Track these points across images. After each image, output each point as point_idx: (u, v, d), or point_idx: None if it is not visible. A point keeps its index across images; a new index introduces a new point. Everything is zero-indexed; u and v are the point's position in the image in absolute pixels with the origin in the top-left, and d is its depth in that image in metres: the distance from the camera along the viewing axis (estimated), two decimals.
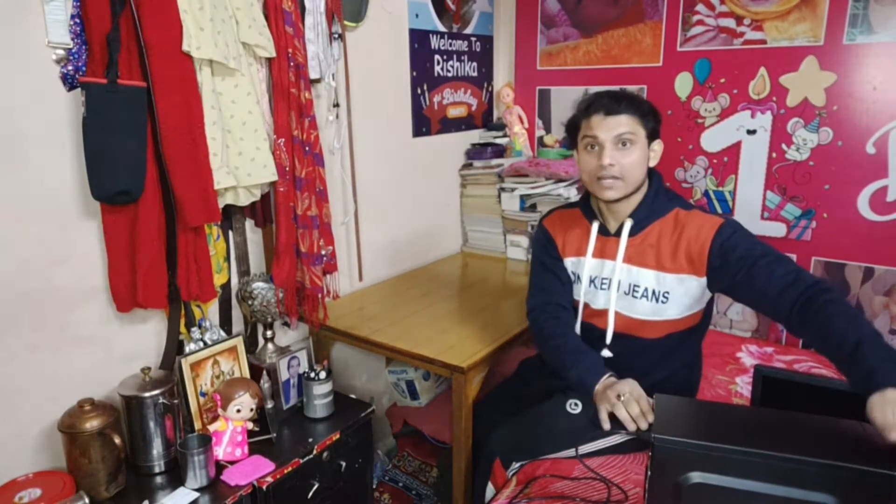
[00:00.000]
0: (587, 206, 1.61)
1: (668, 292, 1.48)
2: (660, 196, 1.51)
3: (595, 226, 1.57)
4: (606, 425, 1.35)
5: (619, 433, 1.41)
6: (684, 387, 1.62)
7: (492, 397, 1.83)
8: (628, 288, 1.52)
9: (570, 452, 1.52)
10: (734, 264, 1.37)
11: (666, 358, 1.55)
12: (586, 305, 1.60)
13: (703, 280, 1.45)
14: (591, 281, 1.58)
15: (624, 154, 1.42)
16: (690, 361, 1.63)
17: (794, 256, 2.23)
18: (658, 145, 1.50)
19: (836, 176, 2.11)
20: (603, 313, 1.56)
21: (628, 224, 1.50)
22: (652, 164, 1.50)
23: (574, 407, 1.57)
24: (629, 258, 1.51)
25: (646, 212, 1.50)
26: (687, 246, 1.44)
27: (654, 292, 1.49)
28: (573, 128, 1.53)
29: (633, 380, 1.39)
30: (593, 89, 2.55)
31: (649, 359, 1.54)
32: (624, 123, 1.42)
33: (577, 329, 1.62)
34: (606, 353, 1.57)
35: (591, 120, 1.45)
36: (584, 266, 1.58)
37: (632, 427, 1.28)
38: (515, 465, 1.57)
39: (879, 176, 2.04)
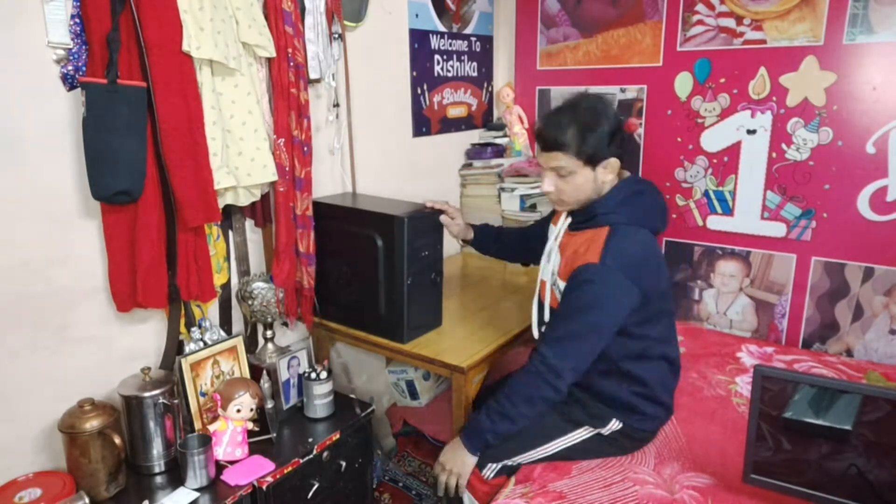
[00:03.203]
0: None
1: (560, 289, 1.57)
2: (608, 208, 1.53)
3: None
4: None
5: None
6: (615, 386, 1.60)
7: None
8: (552, 279, 1.61)
9: (542, 454, 1.60)
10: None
11: None
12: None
13: None
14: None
15: (564, 182, 1.53)
16: (611, 365, 1.58)
17: (794, 256, 2.24)
18: (606, 166, 1.51)
19: (836, 176, 2.11)
20: (542, 284, 1.68)
21: (567, 220, 1.62)
22: (603, 185, 1.53)
23: None
24: (562, 246, 1.60)
25: (582, 217, 1.57)
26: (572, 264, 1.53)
27: (555, 283, 1.60)
28: None
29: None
30: (593, 89, 2.58)
31: None
32: (557, 159, 1.50)
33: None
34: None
35: (539, 150, 1.56)
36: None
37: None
38: (493, 467, 1.58)
39: (879, 176, 2.04)
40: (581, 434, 1.60)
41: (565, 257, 1.57)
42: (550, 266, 1.62)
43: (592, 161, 1.50)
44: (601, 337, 1.48)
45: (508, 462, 1.59)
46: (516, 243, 1.97)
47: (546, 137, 1.51)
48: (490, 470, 1.59)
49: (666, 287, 1.60)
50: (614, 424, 1.59)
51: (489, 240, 1.99)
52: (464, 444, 1.57)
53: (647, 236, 1.53)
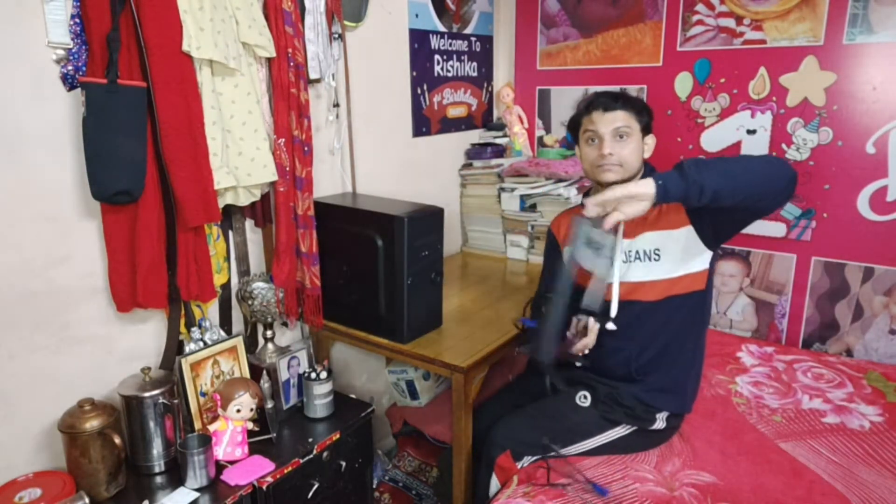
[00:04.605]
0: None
1: (658, 249, 1.59)
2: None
3: None
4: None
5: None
6: (686, 361, 1.65)
7: (502, 394, 1.89)
8: (625, 256, 1.62)
9: (579, 449, 1.59)
10: None
11: (666, 322, 1.61)
12: None
13: (691, 228, 1.56)
14: None
15: (621, 145, 1.57)
16: (691, 333, 1.65)
17: (794, 256, 2.24)
18: (651, 139, 1.64)
19: (836, 176, 2.11)
20: (607, 287, 1.63)
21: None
22: (646, 156, 1.63)
23: (584, 399, 1.64)
24: (625, 234, 1.62)
25: None
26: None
27: (644, 252, 1.60)
28: (575, 125, 1.67)
29: None
30: (593, 89, 2.58)
31: (650, 323, 1.60)
32: (620, 118, 1.57)
33: None
34: (611, 325, 1.61)
35: (591, 116, 1.60)
36: None
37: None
38: (529, 459, 1.59)
39: (879, 176, 2.04)
40: (621, 431, 1.61)
41: (640, 228, 1.59)
42: (617, 259, 1.57)
43: (645, 128, 1.60)
44: None
45: (545, 455, 1.60)
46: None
47: (607, 98, 1.59)
48: (526, 461, 1.60)
49: None
50: (659, 423, 1.61)
51: None
52: (655, 178, 1.28)
53: None
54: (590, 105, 1.61)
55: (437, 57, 2.46)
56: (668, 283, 1.59)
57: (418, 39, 2.36)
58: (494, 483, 1.62)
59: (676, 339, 1.62)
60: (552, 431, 1.60)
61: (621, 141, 1.57)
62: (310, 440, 1.61)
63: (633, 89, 2.46)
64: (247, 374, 1.71)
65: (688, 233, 1.55)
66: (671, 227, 1.57)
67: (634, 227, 1.60)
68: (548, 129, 2.77)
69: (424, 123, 2.46)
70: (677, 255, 1.58)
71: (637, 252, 1.60)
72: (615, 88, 1.70)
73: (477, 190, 2.65)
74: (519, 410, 1.69)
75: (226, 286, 1.77)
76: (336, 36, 1.91)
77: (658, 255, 1.58)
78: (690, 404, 1.69)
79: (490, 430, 1.66)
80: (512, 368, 2.09)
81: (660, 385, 1.61)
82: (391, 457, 2.30)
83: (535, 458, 1.60)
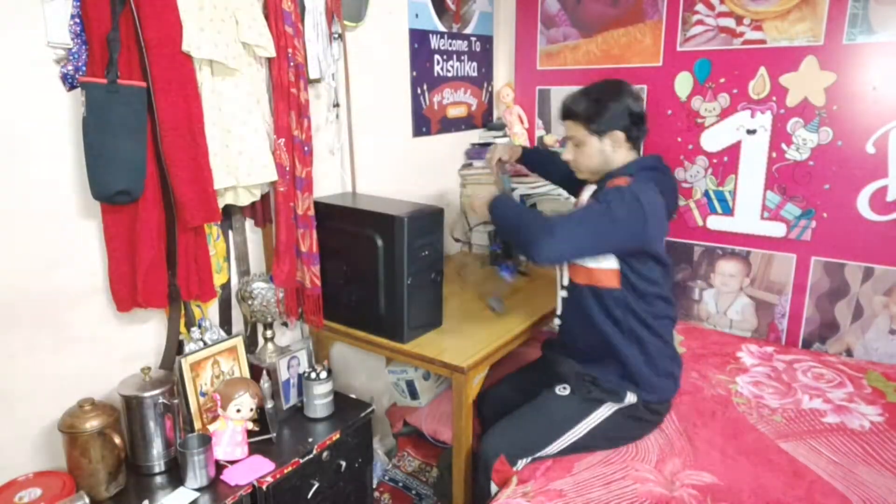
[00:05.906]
0: None
1: None
2: (625, 171, 1.65)
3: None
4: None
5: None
6: (631, 355, 1.64)
7: (506, 381, 1.96)
8: None
9: (569, 440, 1.62)
10: None
11: (598, 308, 1.65)
12: None
13: None
14: None
15: (577, 152, 1.72)
16: (628, 330, 1.64)
17: (794, 256, 2.24)
18: (612, 137, 1.65)
19: (836, 176, 2.11)
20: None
21: (590, 188, 1.76)
22: (612, 151, 1.67)
23: (563, 390, 1.71)
24: None
25: (603, 183, 1.70)
26: None
27: None
28: None
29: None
30: None
31: (585, 305, 1.67)
32: (569, 128, 1.72)
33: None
34: (564, 293, 1.76)
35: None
36: None
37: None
38: (524, 461, 1.60)
39: (879, 176, 2.04)
40: (602, 413, 1.63)
41: None
42: None
43: (598, 132, 1.65)
44: (601, 238, 1.56)
45: (539, 454, 1.62)
46: (565, 175, 1.99)
47: (562, 108, 1.73)
48: (521, 463, 1.61)
49: (663, 247, 1.68)
50: (630, 398, 1.63)
51: (541, 159, 2.18)
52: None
53: (660, 197, 1.60)
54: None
55: (437, 57, 2.46)
56: (586, 271, 1.65)
57: (418, 39, 2.36)
58: (493, 486, 1.63)
59: (613, 330, 1.64)
60: (541, 429, 1.63)
61: (577, 148, 1.70)
62: (310, 440, 1.61)
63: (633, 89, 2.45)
64: (247, 374, 1.71)
65: None
66: None
67: None
68: (548, 129, 2.77)
69: (424, 123, 2.46)
70: None
71: None
72: (575, 91, 1.72)
73: (477, 190, 2.65)
74: (508, 416, 1.72)
75: (226, 286, 1.77)
76: (336, 36, 1.91)
77: None
78: (665, 395, 1.70)
79: (482, 439, 1.69)
80: (506, 368, 2.09)
81: (613, 370, 1.65)
82: (391, 457, 2.30)
83: (529, 459, 1.61)
